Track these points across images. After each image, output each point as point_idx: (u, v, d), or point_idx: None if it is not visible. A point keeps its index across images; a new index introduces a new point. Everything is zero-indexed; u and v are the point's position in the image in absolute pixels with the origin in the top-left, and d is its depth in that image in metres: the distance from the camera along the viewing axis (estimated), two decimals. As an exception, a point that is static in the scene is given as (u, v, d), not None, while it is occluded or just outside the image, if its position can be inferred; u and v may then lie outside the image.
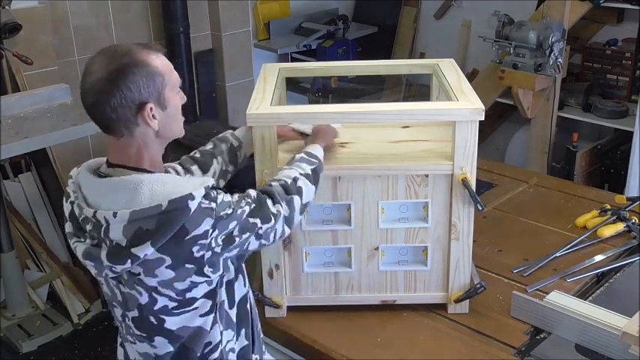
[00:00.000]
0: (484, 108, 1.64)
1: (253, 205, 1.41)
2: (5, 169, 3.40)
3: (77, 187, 1.39)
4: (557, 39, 3.45)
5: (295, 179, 1.53)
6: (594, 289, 1.91)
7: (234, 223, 1.35)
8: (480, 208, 1.67)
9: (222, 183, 1.73)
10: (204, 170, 1.68)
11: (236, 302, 1.50)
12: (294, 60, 4.60)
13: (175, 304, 1.38)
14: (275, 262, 1.78)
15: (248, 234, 1.39)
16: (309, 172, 1.57)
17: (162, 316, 1.39)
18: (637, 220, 2.17)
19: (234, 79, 4.21)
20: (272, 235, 1.46)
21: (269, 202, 1.45)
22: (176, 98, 1.40)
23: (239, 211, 1.37)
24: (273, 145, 1.67)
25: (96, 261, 1.33)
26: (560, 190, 2.50)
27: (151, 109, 1.33)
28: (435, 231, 1.76)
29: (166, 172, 1.51)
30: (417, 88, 4.29)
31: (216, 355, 1.46)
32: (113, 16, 3.65)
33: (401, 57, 4.86)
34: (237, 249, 1.39)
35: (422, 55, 4.87)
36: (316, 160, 1.62)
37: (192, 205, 1.28)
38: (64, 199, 1.43)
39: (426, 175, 1.71)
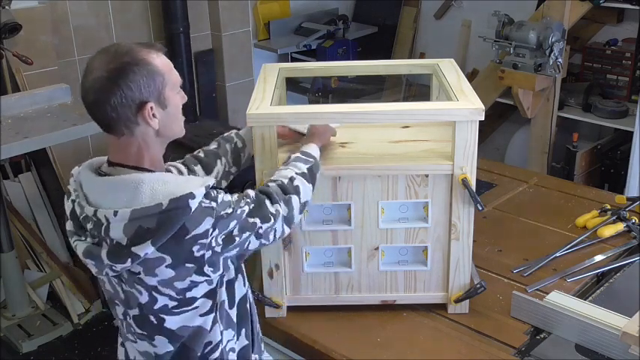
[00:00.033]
0: (484, 108, 1.64)
1: (252, 205, 1.42)
2: (5, 169, 3.40)
3: (78, 186, 1.39)
4: (557, 39, 3.45)
5: (292, 179, 1.54)
6: (594, 289, 1.91)
7: (234, 222, 1.35)
8: (480, 208, 1.67)
9: (224, 183, 1.73)
10: (208, 171, 1.68)
11: (236, 302, 1.50)
12: (294, 60, 4.60)
13: (175, 303, 1.38)
14: (275, 262, 1.78)
15: (248, 233, 1.39)
16: (305, 171, 1.58)
17: (162, 316, 1.39)
18: (637, 220, 2.17)
19: (234, 79, 4.21)
20: (272, 234, 1.46)
21: (267, 202, 1.45)
22: (176, 97, 1.40)
23: (239, 210, 1.37)
24: (273, 145, 1.67)
25: (96, 260, 1.33)
26: (560, 190, 2.50)
27: (152, 108, 1.33)
28: (435, 231, 1.76)
29: (168, 171, 1.51)
30: (417, 88, 4.29)
31: (216, 354, 1.46)
32: (113, 16, 3.65)
33: (401, 57, 4.86)
34: (238, 248, 1.39)
35: (422, 55, 4.86)
36: (312, 159, 1.62)
37: (193, 204, 1.28)
38: (65, 197, 1.43)
39: (426, 175, 1.71)
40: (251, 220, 1.40)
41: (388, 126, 1.95)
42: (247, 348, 1.55)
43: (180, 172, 1.62)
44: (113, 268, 1.32)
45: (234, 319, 1.50)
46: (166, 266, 1.31)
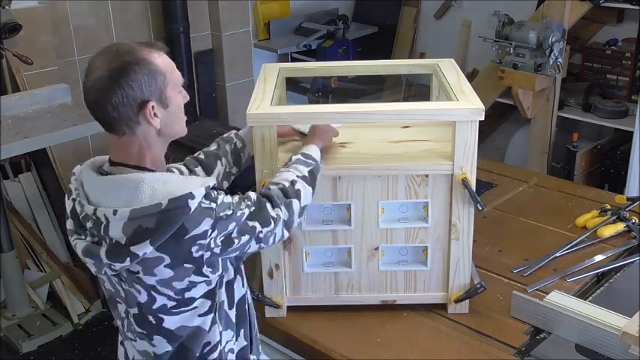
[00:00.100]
0: (484, 108, 1.64)
1: (253, 208, 1.41)
2: (5, 169, 3.40)
3: (79, 185, 1.40)
4: (557, 39, 3.45)
5: (293, 182, 1.53)
6: (594, 289, 1.91)
7: (234, 224, 1.35)
8: (480, 208, 1.67)
9: (225, 184, 1.73)
10: (208, 172, 1.68)
11: (235, 302, 1.50)
12: (294, 60, 4.60)
13: (174, 303, 1.38)
14: (275, 262, 1.78)
15: (247, 237, 1.39)
16: (306, 174, 1.57)
17: (160, 315, 1.39)
18: (637, 220, 2.17)
19: (234, 79, 4.21)
20: (272, 238, 1.46)
21: (268, 205, 1.45)
22: (178, 97, 1.40)
23: (238, 213, 1.37)
24: (273, 145, 1.67)
25: (95, 259, 1.33)
26: (560, 190, 2.50)
27: (153, 107, 1.33)
28: (435, 231, 1.76)
29: (169, 172, 1.51)
30: (417, 88, 4.29)
31: (215, 355, 1.46)
32: (113, 16, 3.65)
33: (401, 57, 4.86)
34: (238, 251, 1.40)
35: (422, 55, 4.86)
36: (313, 162, 1.61)
37: (193, 204, 1.28)
38: (66, 196, 1.44)
39: (426, 175, 1.71)
40: (251, 223, 1.39)
41: (388, 126, 1.95)
42: (246, 349, 1.55)
43: (182, 174, 1.62)
44: (112, 267, 1.32)
45: (234, 320, 1.50)
46: (165, 266, 1.31)
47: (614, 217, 2.18)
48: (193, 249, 1.30)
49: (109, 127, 1.36)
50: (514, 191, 2.49)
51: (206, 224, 1.30)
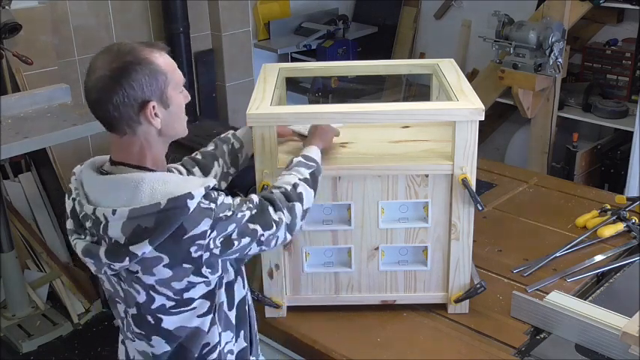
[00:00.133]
0: (484, 108, 1.64)
1: (255, 211, 1.41)
2: (5, 169, 3.40)
3: (79, 184, 1.40)
4: (557, 39, 3.45)
5: (295, 185, 1.53)
6: (594, 289, 1.91)
7: (233, 226, 1.35)
8: (480, 208, 1.67)
9: (223, 185, 1.73)
10: (206, 172, 1.68)
11: (235, 304, 1.50)
12: (294, 60, 4.60)
13: (173, 303, 1.38)
14: (275, 262, 1.78)
15: (248, 239, 1.38)
16: (308, 177, 1.57)
17: (159, 315, 1.39)
18: (637, 220, 2.17)
19: (234, 79, 4.21)
20: (273, 241, 1.45)
21: (270, 209, 1.44)
22: (179, 97, 1.40)
23: (239, 214, 1.37)
24: (273, 145, 1.67)
25: (95, 258, 1.33)
26: (560, 190, 2.50)
27: (154, 107, 1.33)
28: (435, 231, 1.76)
29: (170, 172, 1.51)
30: (417, 88, 4.29)
31: (214, 356, 1.46)
32: (113, 16, 3.65)
33: (401, 57, 4.86)
34: (238, 253, 1.39)
35: (422, 55, 4.87)
36: (314, 164, 1.61)
37: (192, 204, 1.28)
38: (66, 195, 1.43)
39: (426, 175, 1.71)
40: (252, 225, 1.39)
41: (388, 126, 1.95)
42: (246, 350, 1.55)
43: (180, 174, 1.62)
44: (111, 266, 1.32)
45: (233, 321, 1.50)
46: (164, 266, 1.31)
47: (614, 217, 2.18)
48: (192, 249, 1.30)
49: (110, 127, 1.36)
50: (514, 191, 2.49)
51: (205, 224, 1.29)
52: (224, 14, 4.04)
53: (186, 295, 1.37)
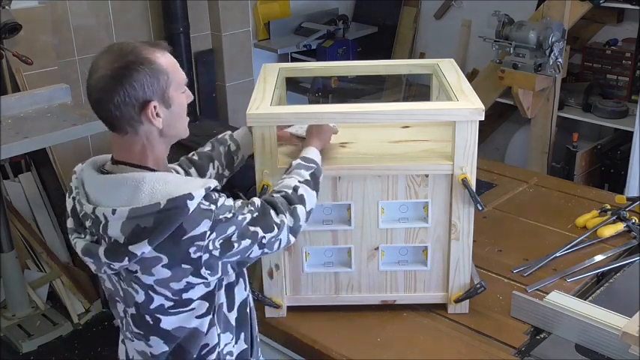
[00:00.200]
0: (484, 108, 1.64)
1: (256, 214, 1.40)
2: (5, 169, 3.40)
3: (80, 183, 1.40)
4: (557, 39, 3.45)
5: (296, 188, 1.52)
6: (594, 289, 1.91)
7: (233, 228, 1.34)
8: (480, 208, 1.67)
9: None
10: (201, 173, 1.68)
11: (236, 306, 1.49)
12: (294, 60, 4.60)
13: (171, 303, 1.37)
14: (275, 262, 1.78)
15: (249, 241, 1.38)
16: (309, 178, 1.57)
17: (158, 315, 1.39)
18: (637, 220, 2.17)
19: (234, 79, 4.21)
20: (276, 244, 1.45)
21: (272, 212, 1.44)
22: (181, 97, 1.39)
23: (240, 217, 1.36)
24: (273, 145, 1.67)
25: (94, 258, 1.33)
26: (560, 190, 2.50)
27: (155, 107, 1.33)
28: (435, 231, 1.76)
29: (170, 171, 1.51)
30: (417, 88, 4.29)
31: (213, 357, 1.46)
32: (113, 16, 3.65)
33: (401, 57, 4.86)
34: (239, 255, 1.38)
35: (422, 55, 4.87)
36: (314, 165, 1.61)
37: (191, 205, 1.28)
38: (67, 194, 1.44)
39: (426, 175, 1.71)
40: (252, 228, 1.38)
41: (388, 126, 1.95)
42: (246, 352, 1.55)
43: (177, 174, 1.62)
44: (111, 266, 1.32)
45: (233, 323, 1.49)
46: (162, 266, 1.31)
47: (614, 217, 2.18)
48: (191, 250, 1.30)
49: (112, 127, 1.36)
50: (514, 191, 2.49)
51: (204, 226, 1.29)
52: (224, 14, 4.04)
53: (185, 296, 1.37)
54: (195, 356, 1.44)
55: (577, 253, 2.06)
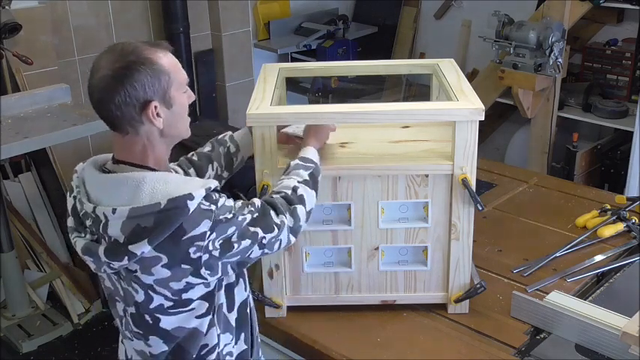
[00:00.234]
0: (484, 108, 1.64)
1: (256, 215, 1.40)
2: (5, 169, 3.40)
3: (81, 182, 1.40)
4: (557, 39, 3.45)
5: (295, 188, 1.52)
6: (594, 289, 1.91)
7: (234, 228, 1.34)
8: (480, 208, 1.67)
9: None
10: (200, 174, 1.68)
11: (236, 306, 1.49)
12: (294, 60, 4.60)
13: (171, 303, 1.37)
14: (275, 262, 1.78)
15: (249, 242, 1.37)
16: (307, 178, 1.56)
17: (157, 315, 1.39)
18: (637, 220, 2.17)
19: (234, 79, 4.21)
20: (276, 244, 1.45)
21: (272, 212, 1.44)
22: (182, 97, 1.39)
23: (240, 217, 1.36)
24: (273, 145, 1.67)
25: (94, 257, 1.33)
26: (560, 190, 2.50)
27: (156, 107, 1.33)
28: (435, 231, 1.76)
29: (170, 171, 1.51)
30: (417, 88, 4.29)
31: (212, 357, 1.46)
32: (113, 16, 3.65)
33: (401, 57, 4.86)
34: (239, 256, 1.38)
35: (422, 55, 4.87)
36: (312, 165, 1.60)
37: (192, 205, 1.28)
38: (68, 193, 1.44)
39: (426, 175, 1.71)
40: (252, 229, 1.38)
41: (388, 126, 1.95)
42: (246, 352, 1.55)
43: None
44: (111, 265, 1.32)
45: (233, 323, 1.49)
46: (162, 266, 1.31)
47: (614, 217, 2.18)
48: (191, 250, 1.30)
49: (113, 126, 1.36)
50: (514, 191, 2.49)
51: (204, 226, 1.29)
52: (224, 14, 4.04)
53: (184, 296, 1.37)
54: (194, 356, 1.44)
55: (577, 253, 2.06)
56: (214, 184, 1.34)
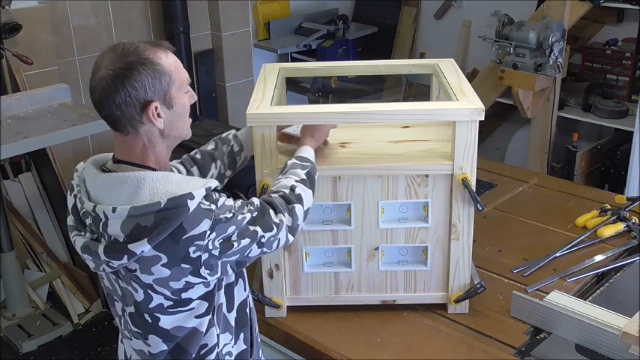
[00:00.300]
0: (484, 108, 1.64)
1: (255, 214, 1.40)
2: (5, 169, 3.40)
3: (81, 181, 1.40)
4: (557, 39, 3.45)
5: (293, 188, 1.52)
6: (594, 289, 1.91)
7: (233, 227, 1.34)
8: (480, 208, 1.67)
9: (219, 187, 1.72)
10: (203, 173, 1.68)
11: (235, 306, 1.50)
12: (294, 60, 4.60)
13: (170, 303, 1.37)
14: (275, 262, 1.78)
15: (248, 241, 1.37)
16: (304, 177, 1.56)
17: (156, 315, 1.39)
18: (637, 220, 2.17)
19: (234, 79, 4.21)
20: (275, 243, 1.45)
21: (271, 211, 1.44)
22: (184, 97, 1.39)
23: (239, 216, 1.36)
24: (273, 145, 1.67)
25: (94, 255, 1.33)
26: (560, 190, 2.50)
27: (156, 107, 1.33)
28: (435, 231, 1.76)
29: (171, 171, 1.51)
30: (417, 88, 4.29)
31: (212, 357, 1.46)
32: (113, 16, 3.65)
33: (401, 57, 4.86)
34: (238, 255, 1.38)
35: (422, 55, 4.87)
36: (308, 164, 1.60)
37: (192, 204, 1.28)
38: (68, 192, 1.44)
39: (426, 175, 1.71)
40: (252, 227, 1.38)
41: (388, 126, 1.95)
42: (245, 352, 1.55)
43: (179, 173, 1.62)
44: (110, 264, 1.32)
45: (232, 323, 1.49)
46: (162, 265, 1.31)
47: (614, 217, 2.18)
48: (191, 249, 1.30)
49: (114, 126, 1.36)
50: (514, 191, 2.49)
51: (205, 225, 1.29)
52: (224, 14, 4.05)
53: (184, 295, 1.37)
54: (193, 356, 1.44)
55: (577, 253, 2.06)
56: (214, 183, 1.34)
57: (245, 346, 1.54)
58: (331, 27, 4.63)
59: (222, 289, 1.45)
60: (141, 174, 1.32)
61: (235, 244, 1.35)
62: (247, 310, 1.54)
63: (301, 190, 1.53)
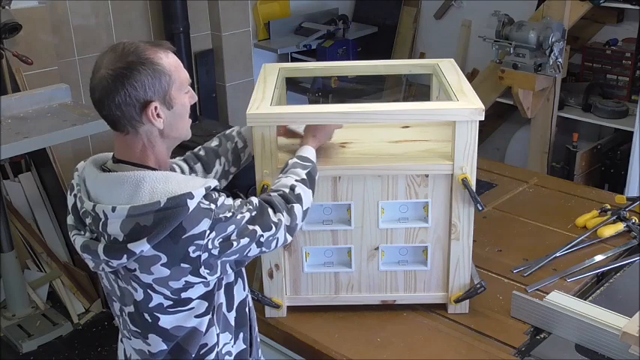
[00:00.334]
0: (484, 108, 1.64)
1: (254, 213, 1.41)
2: (5, 169, 3.40)
3: (81, 181, 1.40)
4: (557, 39, 3.45)
5: (293, 187, 1.52)
6: (594, 289, 1.91)
7: (233, 227, 1.34)
8: (480, 208, 1.67)
9: (223, 183, 1.72)
10: (207, 170, 1.68)
11: (235, 306, 1.50)
12: (294, 60, 4.60)
13: (170, 302, 1.37)
14: (275, 262, 1.78)
15: (247, 240, 1.38)
16: (305, 177, 1.56)
17: (156, 314, 1.39)
18: (637, 220, 2.17)
19: (234, 79, 4.22)
20: (274, 243, 1.45)
21: (270, 211, 1.44)
22: (184, 97, 1.39)
23: (239, 216, 1.36)
24: (273, 144, 1.67)
25: (93, 254, 1.33)
26: (560, 190, 2.50)
27: (156, 107, 1.33)
28: (435, 231, 1.76)
29: (171, 169, 1.51)
30: (417, 88, 4.29)
31: (211, 356, 1.46)
32: (113, 16, 3.65)
33: (401, 57, 4.87)
34: (237, 254, 1.38)
35: (422, 55, 4.87)
36: (309, 163, 1.60)
37: (191, 204, 1.28)
38: (69, 191, 1.44)
39: (426, 175, 1.71)
40: (251, 227, 1.38)
41: (388, 126, 1.95)
42: (245, 352, 1.55)
43: (182, 170, 1.62)
44: (109, 263, 1.32)
45: (232, 323, 1.49)
46: (161, 265, 1.31)
47: (614, 217, 2.18)
48: (190, 249, 1.30)
49: (113, 126, 1.36)
50: (514, 191, 2.49)
51: (204, 225, 1.29)
52: (224, 14, 4.05)
53: (184, 295, 1.37)
54: (193, 356, 1.44)
55: (577, 253, 2.06)
56: (214, 183, 1.34)
57: (245, 346, 1.54)
58: (331, 27, 4.63)
59: (222, 289, 1.45)
60: (140, 173, 1.32)
61: (235, 244, 1.35)
62: (247, 309, 1.54)
63: (301, 189, 1.53)
